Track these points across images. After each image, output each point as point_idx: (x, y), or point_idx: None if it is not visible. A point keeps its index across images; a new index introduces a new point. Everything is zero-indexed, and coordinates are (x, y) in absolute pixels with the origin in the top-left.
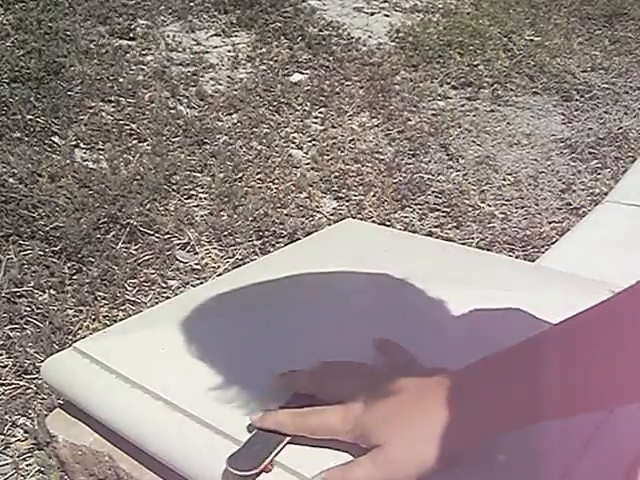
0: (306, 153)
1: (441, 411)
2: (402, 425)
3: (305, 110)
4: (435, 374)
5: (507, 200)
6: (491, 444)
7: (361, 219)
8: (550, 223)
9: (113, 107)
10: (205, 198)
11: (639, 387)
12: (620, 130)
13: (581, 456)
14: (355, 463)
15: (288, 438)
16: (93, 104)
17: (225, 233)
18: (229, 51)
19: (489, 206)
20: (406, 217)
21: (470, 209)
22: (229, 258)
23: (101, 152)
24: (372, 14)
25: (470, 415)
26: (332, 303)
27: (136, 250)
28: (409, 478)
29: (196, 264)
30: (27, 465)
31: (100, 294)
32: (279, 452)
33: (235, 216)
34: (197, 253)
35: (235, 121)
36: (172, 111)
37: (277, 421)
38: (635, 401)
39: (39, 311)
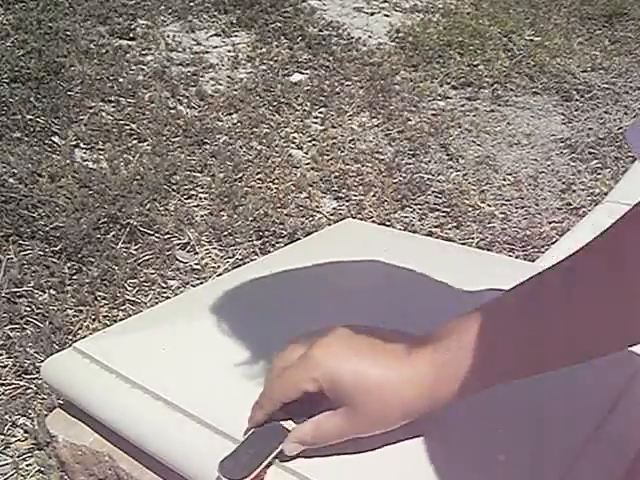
0: (306, 153)
1: (414, 367)
2: (373, 384)
3: (305, 110)
4: (400, 334)
5: (507, 200)
6: (491, 443)
7: (361, 219)
8: (550, 223)
9: (113, 107)
10: (205, 198)
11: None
12: (620, 130)
13: (581, 455)
14: (326, 417)
15: (282, 445)
16: (93, 104)
17: (225, 233)
18: (229, 51)
19: (489, 206)
20: (406, 217)
21: (470, 209)
22: (229, 258)
23: (101, 152)
24: (372, 14)
25: (443, 373)
26: (332, 303)
27: (136, 250)
28: (379, 431)
29: (196, 264)
30: (27, 465)
31: (100, 294)
32: (274, 458)
33: (235, 216)
34: (197, 253)
35: (235, 121)
36: (172, 111)
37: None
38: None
39: (39, 311)
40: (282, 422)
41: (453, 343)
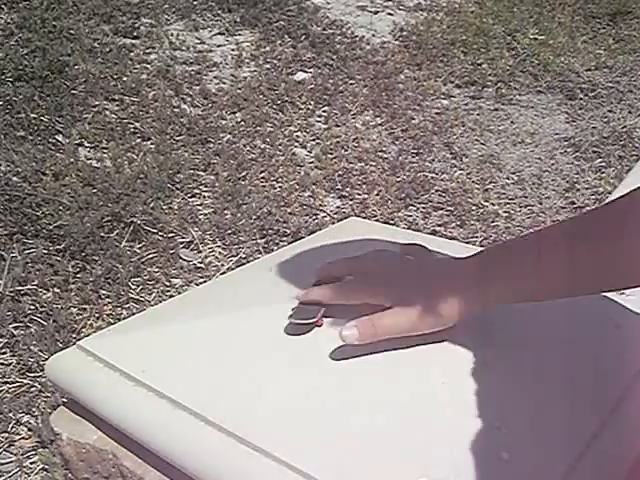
0: (310, 152)
1: (460, 278)
2: (425, 288)
3: (309, 109)
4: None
5: (511, 199)
6: (491, 442)
7: (365, 218)
8: (554, 222)
9: (117, 106)
10: (209, 197)
11: None
12: (624, 129)
13: (584, 454)
14: (382, 313)
15: (324, 308)
16: (97, 103)
17: (229, 232)
18: (233, 50)
19: (493, 205)
20: (410, 216)
21: (474, 208)
22: (233, 257)
23: (105, 151)
24: (376, 13)
25: (487, 282)
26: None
27: (140, 249)
28: (429, 327)
29: (200, 262)
30: (31, 463)
31: (104, 292)
32: (323, 313)
33: (239, 215)
34: (201, 252)
35: (239, 120)
36: (176, 110)
37: (319, 293)
38: None
39: (43, 309)
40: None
41: (498, 253)
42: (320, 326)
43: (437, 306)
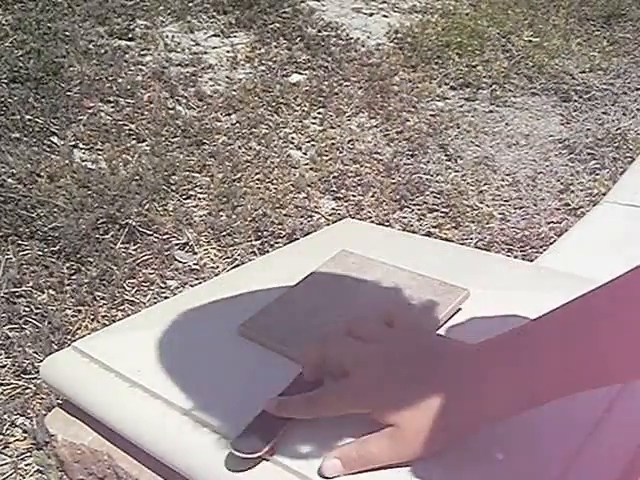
0: (305, 153)
1: (457, 395)
2: (417, 408)
3: (304, 110)
4: (447, 345)
5: (506, 200)
6: (486, 443)
7: (360, 219)
8: (548, 223)
9: (112, 107)
10: (204, 198)
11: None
12: (618, 131)
13: (579, 453)
14: (368, 441)
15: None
16: (92, 104)
17: (224, 233)
18: (228, 52)
19: (488, 206)
20: (405, 217)
21: (469, 209)
22: (228, 258)
23: (100, 152)
24: (371, 15)
25: (487, 400)
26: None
27: (135, 250)
28: (420, 457)
29: (195, 264)
30: (26, 465)
31: (99, 294)
32: (282, 435)
33: (234, 216)
34: (196, 253)
35: (234, 121)
36: (171, 111)
37: (292, 409)
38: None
39: (38, 311)
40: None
41: (499, 361)
42: (272, 455)
43: (446, 428)
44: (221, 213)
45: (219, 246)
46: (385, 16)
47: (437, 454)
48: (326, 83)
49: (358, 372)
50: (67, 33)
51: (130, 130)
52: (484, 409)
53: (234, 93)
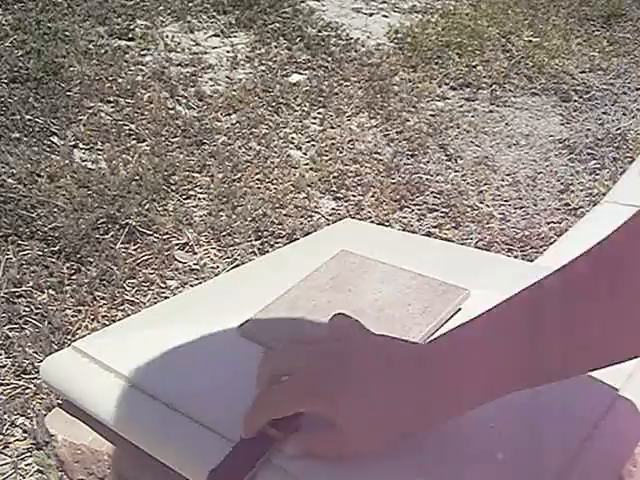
0: (305, 153)
1: (405, 393)
2: (363, 407)
3: (304, 111)
4: (392, 343)
5: (506, 200)
6: (486, 443)
7: (360, 219)
8: (549, 223)
9: (112, 107)
10: (204, 198)
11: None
12: (618, 131)
13: (578, 454)
14: (315, 437)
15: (269, 450)
16: (92, 104)
17: (224, 233)
18: (228, 52)
19: (488, 206)
20: (405, 217)
21: (469, 209)
22: (228, 258)
23: (100, 152)
24: (371, 15)
25: (436, 397)
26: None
27: (135, 250)
28: (359, 454)
29: (195, 264)
30: (26, 465)
31: (99, 294)
32: (261, 465)
33: (234, 216)
34: (196, 253)
35: (234, 121)
36: (171, 111)
37: (247, 423)
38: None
39: (38, 311)
40: (268, 430)
41: (451, 355)
42: None
43: (386, 426)
44: (221, 213)
45: (219, 246)
46: (385, 16)
47: (377, 452)
48: (326, 83)
49: (299, 371)
50: (67, 33)
51: (130, 130)
52: (427, 406)
53: (234, 93)
